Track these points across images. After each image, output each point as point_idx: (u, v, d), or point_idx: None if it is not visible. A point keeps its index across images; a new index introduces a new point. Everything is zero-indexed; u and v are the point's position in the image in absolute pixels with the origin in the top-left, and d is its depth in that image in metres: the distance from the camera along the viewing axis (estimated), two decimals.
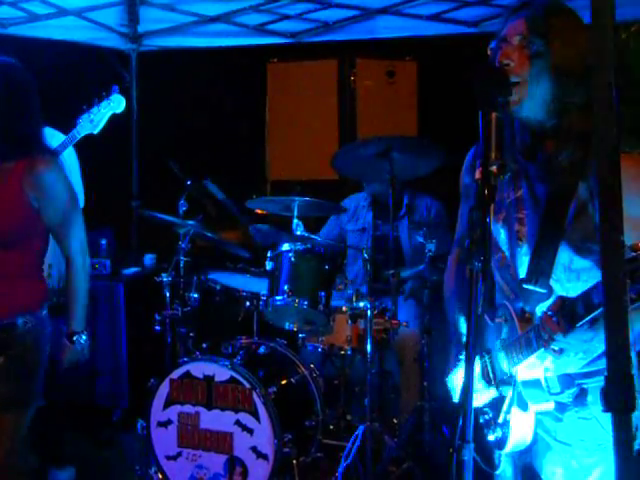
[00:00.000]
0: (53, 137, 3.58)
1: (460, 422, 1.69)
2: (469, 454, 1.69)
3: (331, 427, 4.00)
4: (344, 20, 5.51)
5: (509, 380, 2.04)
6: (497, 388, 2.08)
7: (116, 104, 3.41)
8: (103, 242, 5.04)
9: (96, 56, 5.89)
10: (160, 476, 3.76)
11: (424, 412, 4.07)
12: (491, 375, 2.10)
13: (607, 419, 1.91)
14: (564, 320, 1.81)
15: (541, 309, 1.95)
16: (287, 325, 3.95)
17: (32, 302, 2.63)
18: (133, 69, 5.92)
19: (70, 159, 3.84)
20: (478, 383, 2.11)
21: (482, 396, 2.13)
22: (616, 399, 1.39)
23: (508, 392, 2.04)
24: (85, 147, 3.67)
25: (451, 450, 1.74)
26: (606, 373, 1.39)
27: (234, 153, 7.06)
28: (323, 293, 3.76)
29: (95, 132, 3.41)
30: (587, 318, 1.75)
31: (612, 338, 1.37)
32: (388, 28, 5.49)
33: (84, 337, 2.79)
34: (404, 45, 6.36)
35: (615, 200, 1.36)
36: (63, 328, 2.75)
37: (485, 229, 1.70)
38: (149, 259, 5.36)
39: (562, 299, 1.85)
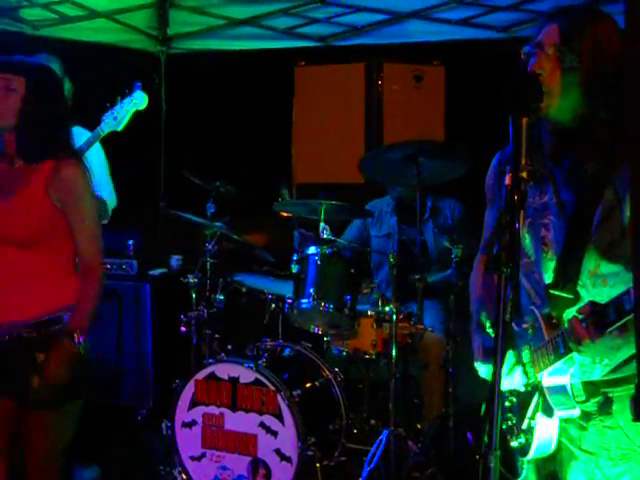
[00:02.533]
0: (80, 135, 3.62)
1: (487, 428, 1.69)
2: (495, 461, 1.69)
3: (355, 431, 3.99)
4: (373, 24, 5.52)
5: (535, 385, 2.03)
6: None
7: (139, 101, 3.43)
8: (130, 243, 5.07)
9: (126, 58, 5.94)
10: (184, 476, 3.79)
11: (448, 418, 4.05)
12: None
13: (633, 428, 1.93)
14: (594, 326, 1.81)
15: (568, 314, 1.95)
16: (312, 328, 3.96)
17: (70, 297, 2.65)
18: (162, 71, 5.97)
19: (98, 159, 3.88)
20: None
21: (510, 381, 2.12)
22: None
23: (533, 398, 2.03)
24: (114, 148, 3.71)
25: (478, 457, 1.74)
26: (637, 381, 1.38)
27: (260, 155, 7.08)
28: (349, 297, 3.76)
29: (119, 129, 3.44)
30: (618, 324, 1.75)
31: None
32: (417, 32, 5.52)
33: (83, 340, 2.63)
34: (432, 49, 6.35)
35: None
36: None
37: (514, 235, 1.70)
38: (175, 260, 5.39)
39: (592, 304, 1.84)
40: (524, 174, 1.74)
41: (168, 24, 5.85)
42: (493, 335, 2.03)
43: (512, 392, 2.14)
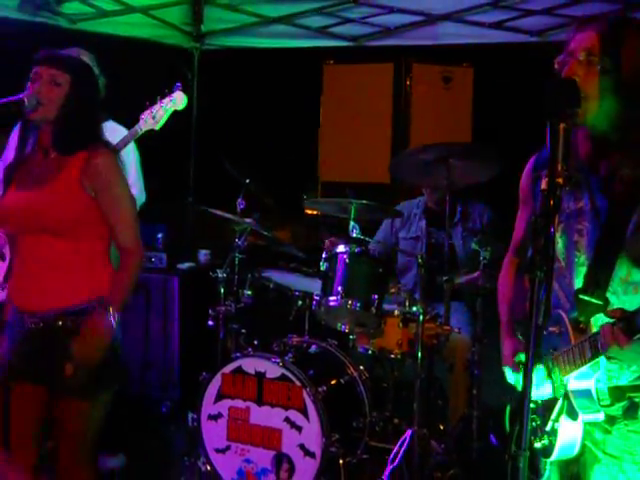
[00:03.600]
0: (116, 131, 3.67)
1: (516, 429, 1.72)
2: (524, 462, 1.71)
3: (378, 429, 4.01)
4: (406, 25, 5.54)
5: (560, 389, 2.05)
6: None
7: (178, 101, 3.47)
8: (159, 236, 5.14)
9: (160, 53, 6.01)
10: (208, 468, 3.82)
11: (472, 420, 4.07)
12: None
13: None
14: (622, 332, 1.82)
15: (597, 320, 1.97)
16: (339, 326, 3.98)
17: (103, 287, 2.69)
18: (195, 67, 6.04)
19: (132, 156, 3.93)
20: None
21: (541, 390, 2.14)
22: None
23: (558, 401, 2.06)
24: (144, 143, 3.75)
25: (507, 457, 1.76)
26: None
27: (287, 153, 7.13)
28: (376, 296, 3.78)
29: (157, 128, 3.47)
30: None
31: None
32: (448, 35, 5.53)
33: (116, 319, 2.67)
34: (461, 51, 6.37)
35: None
36: None
37: (549, 240, 1.73)
38: (203, 255, 5.45)
39: (622, 311, 1.86)
40: (560, 180, 1.77)
41: (202, 21, 5.94)
42: (523, 340, 2.07)
43: None
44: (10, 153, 3.71)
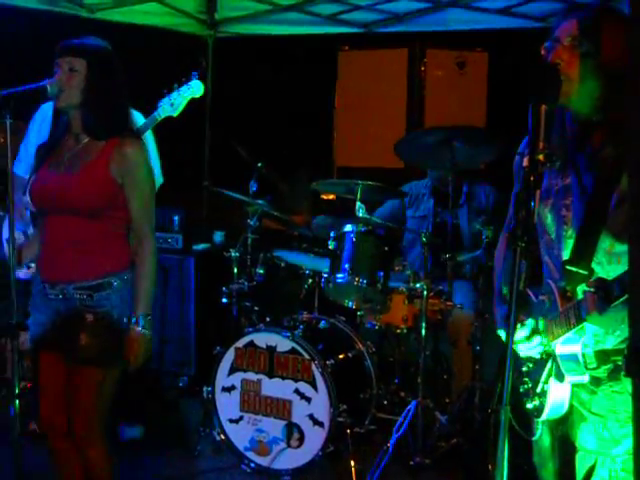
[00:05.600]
0: (135, 118, 3.81)
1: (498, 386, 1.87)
2: (505, 415, 1.86)
3: (385, 402, 4.15)
4: (414, 12, 5.63)
5: (549, 352, 2.20)
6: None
7: (195, 89, 3.59)
8: (175, 218, 5.27)
9: (175, 41, 6.14)
10: (222, 437, 4.00)
11: (475, 393, 4.20)
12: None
13: None
14: (601, 300, 1.97)
15: (582, 289, 2.11)
16: (347, 302, 4.12)
17: (120, 265, 2.84)
18: (210, 54, 6.16)
19: (149, 139, 4.08)
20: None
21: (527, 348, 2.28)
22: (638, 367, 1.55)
23: (547, 364, 2.21)
24: (161, 128, 3.88)
25: (489, 411, 1.91)
26: (629, 342, 1.54)
27: (303, 138, 7.23)
28: (381, 273, 3.93)
29: (175, 115, 3.60)
30: (622, 299, 1.90)
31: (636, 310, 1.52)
32: (457, 21, 5.60)
33: (146, 320, 2.82)
34: (475, 36, 6.41)
35: None
36: None
37: (529, 212, 1.87)
38: (218, 236, 5.59)
39: (601, 280, 2.00)
40: (540, 157, 1.91)
41: (216, 9, 6.02)
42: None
43: (529, 358, 2.31)
44: (32, 138, 3.87)
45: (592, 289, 2.00)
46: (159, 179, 4.20)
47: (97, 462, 2.91)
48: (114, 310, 2.80)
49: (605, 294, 1.96)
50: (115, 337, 2.81)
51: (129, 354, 2.79)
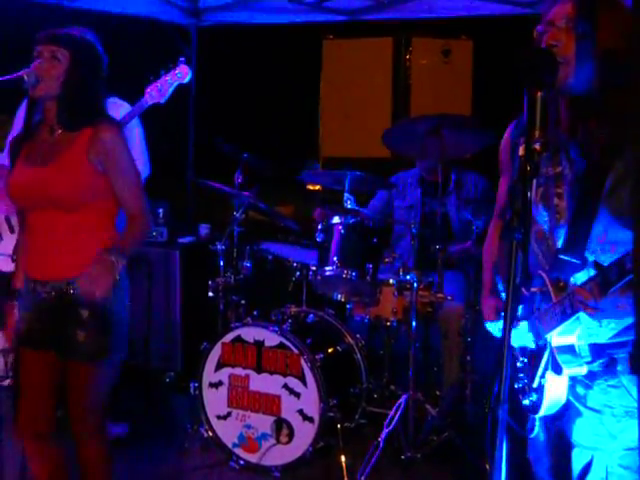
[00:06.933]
0: (120, 107, 3.74)
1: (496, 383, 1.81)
2: (504, 414, 1.80)
3: (375, 396, 4.12)
4: None
5: (544, 345, 2.14)
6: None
7: (183, 75, 3.53)
8: (160, 211, 5.21)
9: (157, 30, 6.04)
10: (210, 434, 3.94)
11: (465, 385, 4.16)
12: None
13: (636, 387, 2.03)
14: (597, 286, 1.91)
15: (575, 279, 2.05)
16: (335, 295, 4.06)
17: None
18: (193, 43, 6.07)
19: (136, 127, 3.99)
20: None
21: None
22: None
23: (543, 358, 2.15)
24: (143, 118, 3.81)
25: (487, 410, 1.86)
26: (634, 337, 1.48)
27: (288, 128, 7.17)
28: (370, 265, 3.87)
29: (162, 102, 3.54)
30: (620, 283, 1.85)
31: None
32: (444, 8, 5.54)
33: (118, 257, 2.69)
34: (460, 24, 6.38)
35: None
36: None
37: (526, 203, 1.80)
38: (204, 229, 5.52)
39: (596, 265, 1.94)
40: (537, 146, 1.84)
41: None
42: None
43: (524, 353, 2.25)
44: (18, 130, 3.79)
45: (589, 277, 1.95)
46: (145, 169, 4.13)
47: (95, 459, 2.86)
48: (109, 305, 2.73)
49: (603, 280, 1.91)
50: (111, 334, 2.75)
51: (85, 277, 2.64)
